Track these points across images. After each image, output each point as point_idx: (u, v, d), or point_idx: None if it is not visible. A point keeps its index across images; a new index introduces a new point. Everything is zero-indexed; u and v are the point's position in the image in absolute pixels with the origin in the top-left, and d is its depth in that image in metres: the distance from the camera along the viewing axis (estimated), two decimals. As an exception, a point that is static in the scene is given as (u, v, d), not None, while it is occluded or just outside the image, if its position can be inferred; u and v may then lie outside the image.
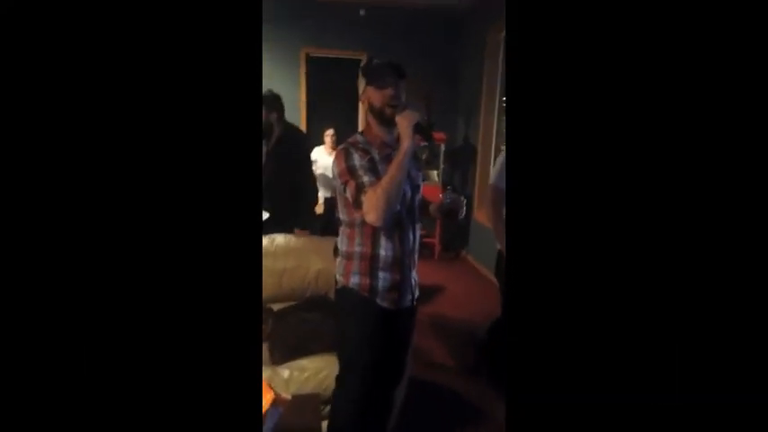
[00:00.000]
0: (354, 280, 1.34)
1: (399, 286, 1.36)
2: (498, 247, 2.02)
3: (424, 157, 4.34)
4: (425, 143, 1.31)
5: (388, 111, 1.28)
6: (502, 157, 2.02)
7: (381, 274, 1.33)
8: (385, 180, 1.20)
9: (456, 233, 4.63)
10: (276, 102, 2.27)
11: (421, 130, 1.25)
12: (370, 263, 1.32)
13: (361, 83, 1.33)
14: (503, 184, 1.95)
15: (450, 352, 2.62)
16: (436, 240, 4.47)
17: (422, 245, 4.19)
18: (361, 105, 1.36)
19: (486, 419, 2.01)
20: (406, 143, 1.23)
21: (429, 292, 3.52)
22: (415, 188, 1.39)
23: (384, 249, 1.32)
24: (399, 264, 1.34)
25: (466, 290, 3.67)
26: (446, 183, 4.53)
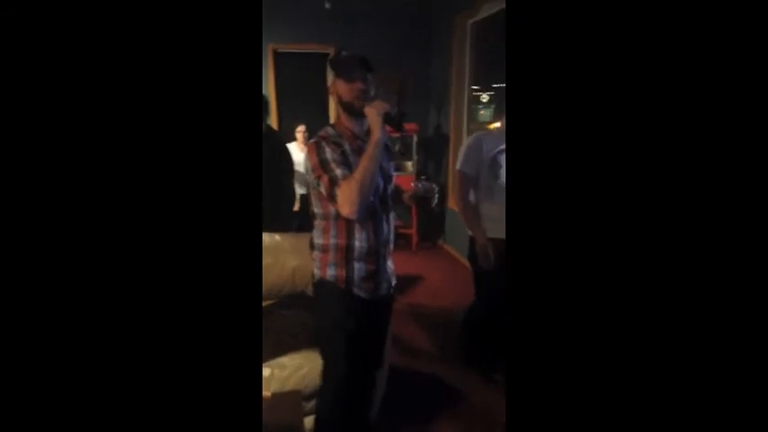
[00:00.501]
0: (331, 272, 1.35)
1: (375, 276, 1.38)
2: (470, 233, 2.04)
3: (397, 148, 4.35)
4: (396, 134, 1.31)
5: (357, 103, 1.29)
6: (468, 141, 2.04)
7: (357, 265, 1.34)
8: (358, 172, 1.21)
9: (432, 223, 4.66)
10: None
11: (390, 120, 1.25)
12: (346, 254, 1.33)
13: (330, 75, 1.32)
14: (468, 169, 1.97)
15: (431, 340, 2.66)
16: (413, 231, 4.50)
17: (399, 236, 4.22)
18: (330, 98, 1.36)
19: (466, 404, 2.05)
20: (376, 134, 1.23)
21: (408, 283, 3.55)
22: (388, 179, 1.40)
23: (359, 240, 1.33)
24: (374, 254, 1.36)
25: (444, 278, 3.72)
26: (420, 173, 4.55)
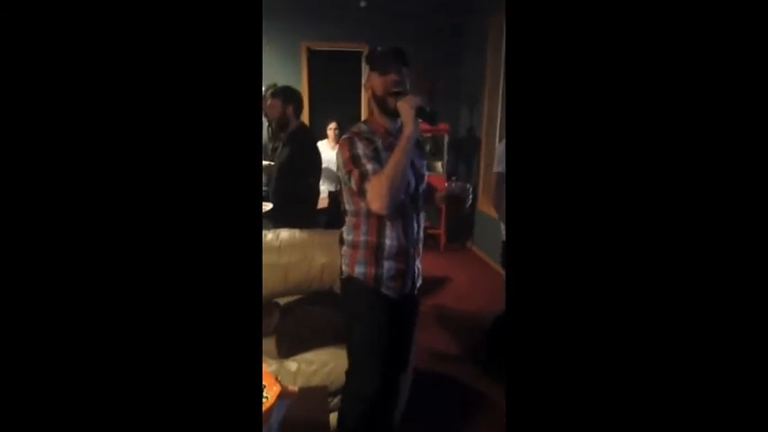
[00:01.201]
0: (360, 269, 1.35)
1: (403, 275, 1.37)
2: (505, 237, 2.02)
3: (428, 148, 4.33)
4: (429, 132, 1.32)
5: (390, 99, 1.27)
6: (504, 142, 2.02)
7: (386, 264, 1.33)
8: (389, 167, 1.20)
9: (461, 224, 4.62)
10: (294, 96, 2.32)
11: (424, 114, 1.23)
12: (376, 252, 1.33)
13: (365, 70, 1.32)
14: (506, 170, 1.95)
15: (457, 343, 2.63)
16: (441, 231, 4.47)
17: (427, 236, 4.21)
18: (364, 94, 1.37)
19: (491, 409, 2.02)
20: (408, 128, 1.22)
21: (435, 284, 3.53)
22: (419, 178, 1.39)
23: (389, 239, 1.32)
24: (404, 253, 1.35)
25: (471, 281, 3.68)
26: (451, 173, 4.52)
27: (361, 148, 1.24)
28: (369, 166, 1.22)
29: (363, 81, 1.36)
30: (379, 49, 1.31)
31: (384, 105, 1.30)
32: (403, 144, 1.21)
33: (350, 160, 1.25)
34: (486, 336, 2.34)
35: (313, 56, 4.45)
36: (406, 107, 1.23)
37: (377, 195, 1.20)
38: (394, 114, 1.28)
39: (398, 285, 1.37)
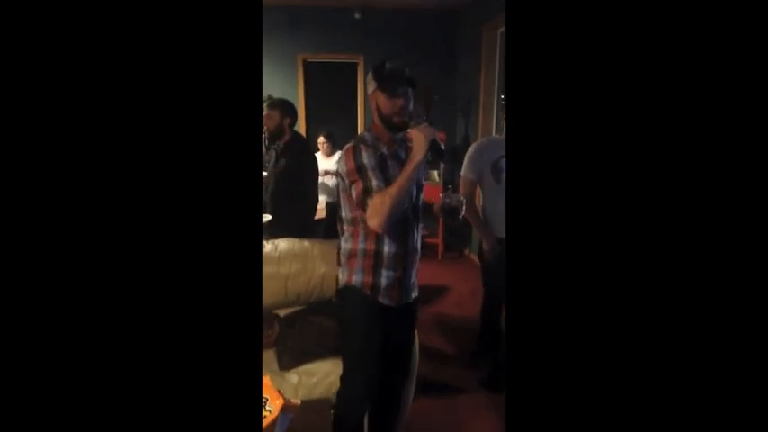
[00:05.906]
0: (357, 278, 1.34)
1: (401, 284, 1.37)
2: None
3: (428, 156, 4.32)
4: (437, 160, 1.32)
5: (396, 119, 1.29)
6: (470, 149, 2.13)
7: (384, 272, 1.33)
8: (393, 188, 1.21)
9: (458, 232, 4.62)
10: (290, 109, 2.40)
11: (436, 147, 1.24)
12: (374, 260, 1.33)
13: (371, 85, 1.31)
14: (470, 175, 2.08)
15: (456, 349, 2.62)
16: (439, 240, 4.47)
17: (425, 245, 4.20)
18: (368, 105, 1.36)
19: (492, 415, 2.01)
20: (418, 156, 1.22)
21: (434, 292, 3.52)
22: (419, 188, 1.40)
23: (387, 246, 1.32)
24: (402, 262, 1.35)
25: (470, 288, 3.66)
26: (447, 182, 4.53)
27: (366, 158, 1.25)
28: (374, 182, 1.22)
29: (368, 91, 1.35)
30: (388, 65, 1.29)
31: (390, 123, 1.31)
32: (410, 169, 1.21)
33: (355, 170, 1.25)
34: (479, 354, 2.36)
35: (309, 67, 4.48)
36: (420, 136, 1.22)
37: (376, 213, 1.20)
38: (397, 130, 1.31)
39: (396, 294, 1.36)
